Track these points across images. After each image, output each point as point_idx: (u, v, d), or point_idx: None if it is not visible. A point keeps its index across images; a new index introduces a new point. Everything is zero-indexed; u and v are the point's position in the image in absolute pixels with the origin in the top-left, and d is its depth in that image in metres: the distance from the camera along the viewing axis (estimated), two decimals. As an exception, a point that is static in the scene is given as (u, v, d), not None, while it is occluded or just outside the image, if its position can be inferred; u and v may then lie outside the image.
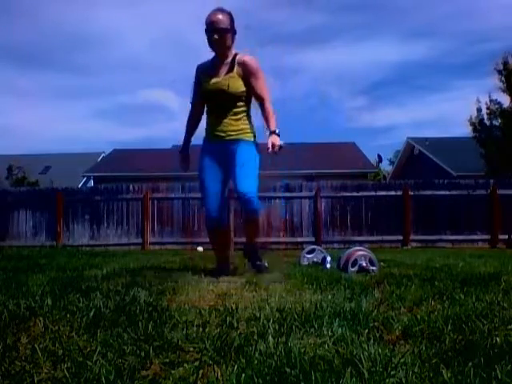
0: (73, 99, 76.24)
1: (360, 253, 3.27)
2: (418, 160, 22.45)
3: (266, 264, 3.35)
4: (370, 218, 10.58)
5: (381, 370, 0.94)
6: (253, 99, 3.14)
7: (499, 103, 15.82)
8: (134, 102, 78.30)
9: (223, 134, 3.06)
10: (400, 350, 1.11)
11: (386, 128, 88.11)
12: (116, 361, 1.02)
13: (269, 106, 3.06)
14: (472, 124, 16.27)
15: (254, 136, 3.13)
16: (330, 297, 1.90)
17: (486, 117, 16.10)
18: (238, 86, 3.00)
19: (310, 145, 21.27)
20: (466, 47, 77.68)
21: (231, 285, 2.41)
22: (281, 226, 10.56)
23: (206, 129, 3.22)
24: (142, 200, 10.79)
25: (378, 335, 1.25)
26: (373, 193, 10.64)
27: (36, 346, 1.11)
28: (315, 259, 4.12)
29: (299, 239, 10.47)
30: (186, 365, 1.01)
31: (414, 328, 1.31)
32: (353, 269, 3.17)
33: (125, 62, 77.64)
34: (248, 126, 3.10)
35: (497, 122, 15.90)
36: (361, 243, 8.78)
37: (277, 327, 1.32)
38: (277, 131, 2.97)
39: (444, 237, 10.39)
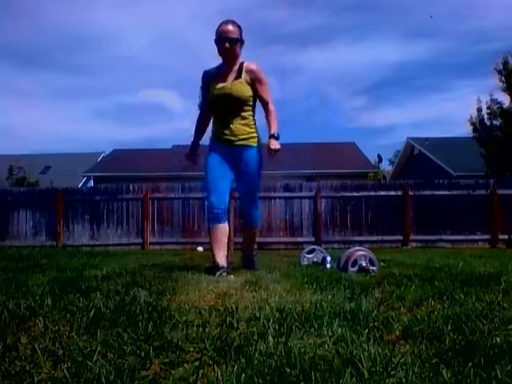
0: (73, 99, 76.38)
1: (360, 253, 3.27)
2: (417, 160, 22.45)
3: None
4: (370, 218, 10.58)
5: (381, 370, 0.94)
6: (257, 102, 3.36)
7: (499, 103, 15.82)
8: (134, 102, 78.47)
9: (232, 138, 3.26)
10: (400, 350, 1.11)
11: (386, 128, 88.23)
12: (116, 361, 1.02)
13: (272, 107, 3.29)
14: (472, 124, 16.27)
15: (259, 140, 3.35)
16: (329, 297, 1.89)
17: (486, 117, 16.10)
18: (245, 90, 3.22)
19: (310, 145, 21.28)
20: (466, 47, 77.80)
21: (231, 285, 2.41)
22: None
23: (212, 132, 3.39)
24: (142, 200, 10.79)
25: (378, 335, 1.25)
26: (373, 193, 10.64)
27: (36, 345, 1.11)
28: (315, 259, 4.13)
29: (299, 239, 10.47)
30: (185, 365, 1.01)
31: (414, 328, 1.31)
32: (353, 269, 3.17)
33: (125, 62, 77.74)
34: (254, 130, 3.32)
35: (497, 122, 15.89)
36: (361, 243, 8.78)
37: (277, 327, 1.32)
38: (275, 135, 3.18)
39: (444, 237, 10.39)
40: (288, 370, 0.93)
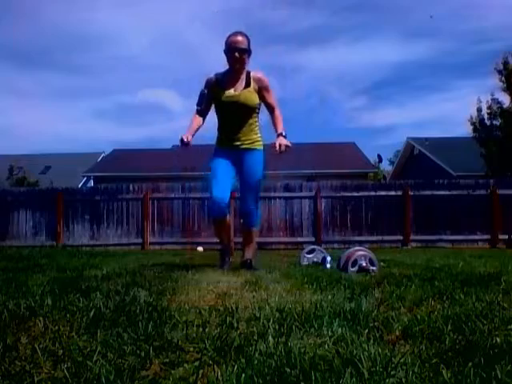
0: (73, 99, 76.34)
1: (360, 253, 3.27)
2: (417, 160, 22.45)
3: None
4: (370, 218, 10.58)
5: (381, 370, 0.94)
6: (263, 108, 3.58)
7: (499, 103, 15.82)
8: (134, 102, 78.43)
9: (238, 143, 3.47)
10: (400, 350, 1.11)
11: (386, 128, 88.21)
12: (116, 361, 1.02)
13: (278, 111, 3.52)
14: (472, 124, 16.26)
15: (262, 144, 3.57)
16: (330, 297, 1.90)
17: (486, 117, 16.09)
18: (254, 99, 3.43)
19: (310, 145, 21.25)
20: (466, 47, 77.74)
21: (231, 285, 2.41)
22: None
23: (218, 137, 3.58)
24: (142, 200, 10.79)
25: (378, 335, 1.25)
26: (373, 193, 10.64)
27: (36, 345, 1.11)
28: (315, 259, 4.12)
29: (299, 239, 10.47)
30: (185, 365, 1.01)
31: (414, 328, 1.31)
32: (353, 269, 3.17)
33: (125, 62, 77.70)
34: (259, 136, 3.54)
35: (497, 122, 15.89)
36: (361, 243, 8.78)
37: (277, 327, 1.32)
38: (283, 133, 3.37)
39: (444, 237, 10.39)
40: (288, 370, 0.93)
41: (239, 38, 3.36)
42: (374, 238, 10.44)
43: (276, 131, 3.42)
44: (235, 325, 1.37)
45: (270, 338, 1.18)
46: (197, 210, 10.71)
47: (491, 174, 14.95)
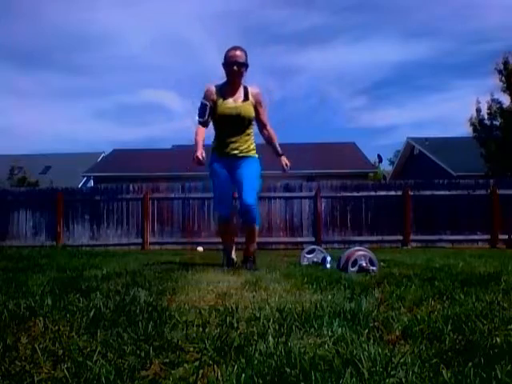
0: (73, 99, 76.33)
1: (360, 253, 3.27)
2: (417, 160, 22.45)
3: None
4: (370, 218, 10.58)
5: (381, 370, 0.94)
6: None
7: (500, 103, 15.82)
8: (134, 102, 78.48)
9: (235, 152, 3.66)
10: (400, 350, 1.11)
11: (386, 128, 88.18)
12: (116, 361, 1.02)
13: (271, 129, 3.81)
14: (472, 124, 16.27)
15: (255, 151, 3.76)
16: (329, 297, 1.90)
17: (486, 117, 16.09)
18: (252, 111, 3.65)
19: (310, 145, 21.28)
20: (466, 47, 77.74)
21: (231, 285, 2.41)
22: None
23: (216, 146, 3.74)
24: (142, 200, 10.79)
25: (378, 335, 1.25)
26: (373, 193, 10.64)
27: (36, 346, 1.11)
28: (315, 259, 4.12)
29: (299, 239, 10.47)
30: (185, 365, 1.01)
31: (414, 328, 1.31)
32: (353, 269, 3.17)
33: (125, 62, 77.68)
34: (254, 145, 3.75)
35: (497, 122, 15.89)
36: (361, 243, 8.78)
37: (277, 327, 1.32)
38: (282, 153, 3.77)
39: (444, 237, 10.38)
40: (288, 370, 0.93)
41: (237, 52, 3.56)
42: (374, 237, 10.44)
43: (276, 153, 3.78)
44: (235, 325, 1.37)
45: (270, 338, 1.18)
46: (197, 210, 10.71)
47: (491, 173, 14.95)
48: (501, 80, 15.63)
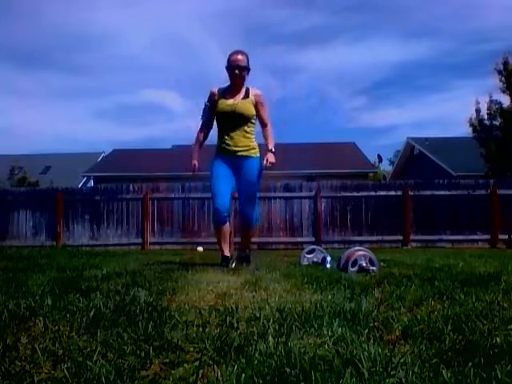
0: (73, 99, 76.32)
1: (360, 253, 3.27)
2: (417, 160, 22.44)
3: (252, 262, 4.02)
4: (370, 218, 10.58)
5: (381, 370, 0.94)
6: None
7: (499, 103, 15.82)
8: (134, 102, 78.46)
9: (236, 149, 3.79)
10: (400, 350, 1.11)
11: (386, 128, 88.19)
12: (116, 361, 1.02)
13: (270, 128, 3.92)
14: (472, 124, 16.26)
15: (258, 153, 3.89)
16: (329, 297, 1.90)
17: (486, 117, 16.09)
18: (251, 109, 3.79)
19: (310, 145, 21.27)
20: (466, 47, 77.75)
21: (231, 285, 2.41)
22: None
23: (218, 144, 3.90)
24: (142, 200, 10.79)
25: (377, 335, 1.25)
26: (373, 193, 10.64)
27: (36, 346, 1.11)
28: (315, 259, 4.12)
29: (299, 239, 10.47)
30: (185, 365, 1.01)
31: (414, 328, 1.30)
32: (353, 269, 3.17)
33: (125, 62, 77.66)
34: (254, 144, 3.87)
35: (497, 122, 15.88)
36: (361, 243, 8.78)
37: (277, 327, 1.32)
38: (273, 150, 3.78)
39: (444, 237, 10.38)
40: (288, 370, 0.93)
41: (239, 56, 3.75)
42: (374, 238, 10.44)
43: (267, 147, 3.83)
44: (235, 325, 1.37)
45: (270, 338, 1.18)
46: (197, 210, 10.71)
47: (491, 174, 14.95)
48: (500, 80, 15.63)
